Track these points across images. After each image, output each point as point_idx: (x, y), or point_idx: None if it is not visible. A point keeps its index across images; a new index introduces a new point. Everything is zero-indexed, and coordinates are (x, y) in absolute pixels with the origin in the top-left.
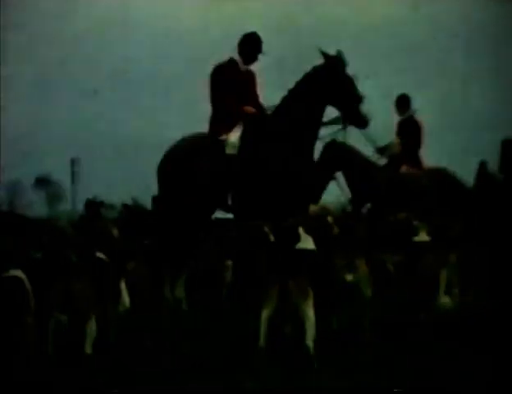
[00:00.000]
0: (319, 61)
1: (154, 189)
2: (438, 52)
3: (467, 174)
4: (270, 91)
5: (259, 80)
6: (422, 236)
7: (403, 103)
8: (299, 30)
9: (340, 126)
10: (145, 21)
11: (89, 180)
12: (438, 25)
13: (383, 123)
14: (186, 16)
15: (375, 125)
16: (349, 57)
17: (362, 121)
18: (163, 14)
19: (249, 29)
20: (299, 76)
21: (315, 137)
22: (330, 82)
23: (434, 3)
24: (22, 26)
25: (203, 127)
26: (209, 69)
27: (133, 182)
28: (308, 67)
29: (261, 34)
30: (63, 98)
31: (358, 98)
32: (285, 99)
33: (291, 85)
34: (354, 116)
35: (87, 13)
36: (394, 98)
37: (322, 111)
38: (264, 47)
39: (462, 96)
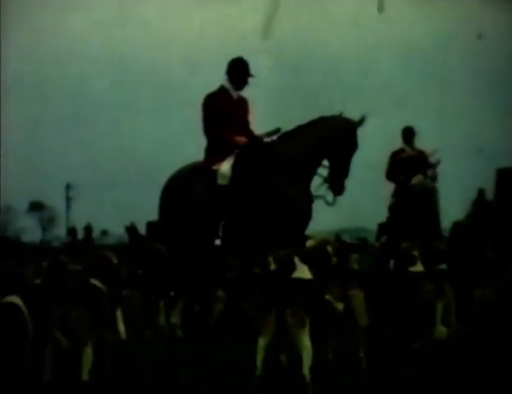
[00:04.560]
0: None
1: (150, 215)
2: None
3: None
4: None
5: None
6: (419, 267)
7: (410, 134)
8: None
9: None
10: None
11: (85, 205)
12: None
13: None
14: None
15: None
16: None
17: (340, 192)
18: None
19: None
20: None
21: (312, 174)
22: (344, 146)
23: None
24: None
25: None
26: (207, 73)
27: (129, 208)
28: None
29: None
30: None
31: (347, 173)
32: (291, 133)
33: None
34: (338, 184)
35: (87, 14)
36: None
37: (323, 159)
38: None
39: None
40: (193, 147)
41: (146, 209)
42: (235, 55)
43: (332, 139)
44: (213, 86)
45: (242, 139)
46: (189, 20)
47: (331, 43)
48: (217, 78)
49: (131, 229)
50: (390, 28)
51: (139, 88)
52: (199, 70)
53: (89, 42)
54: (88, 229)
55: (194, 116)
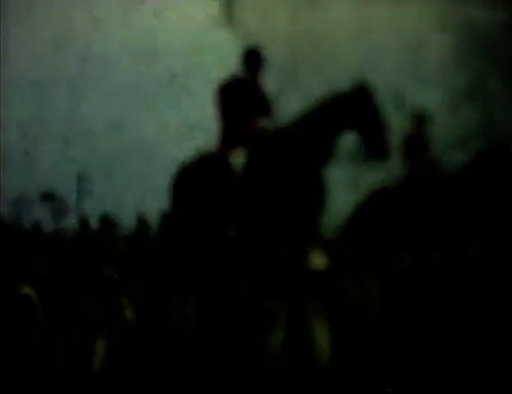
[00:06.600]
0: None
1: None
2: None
3: None
4: None
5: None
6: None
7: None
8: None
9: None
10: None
11: (96, 196)
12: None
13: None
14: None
15: None
16: None
17: (384, 153)
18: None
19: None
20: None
21: (327, 158)
22: (359, 110)
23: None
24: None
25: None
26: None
27: (141, 200)
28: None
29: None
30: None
31: (384, 128)
32: (301, 118)
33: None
34: (378, 145)
35: (86, 14)
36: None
37: (339, 135)
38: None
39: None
40: (192, 141)
41: (158, 200)
42: (234, 54)
43: (343, 112)
44: (213, 84)
45: (256, 129)
46: (188, 18)
47: (330, 43)
48: (216, 77)
49: (139, 220)
50: (390, 28)
51: (138, 85)
52: (199, 68)
53: (89, 40)
54: (104, 220)
55: (192, 114)
